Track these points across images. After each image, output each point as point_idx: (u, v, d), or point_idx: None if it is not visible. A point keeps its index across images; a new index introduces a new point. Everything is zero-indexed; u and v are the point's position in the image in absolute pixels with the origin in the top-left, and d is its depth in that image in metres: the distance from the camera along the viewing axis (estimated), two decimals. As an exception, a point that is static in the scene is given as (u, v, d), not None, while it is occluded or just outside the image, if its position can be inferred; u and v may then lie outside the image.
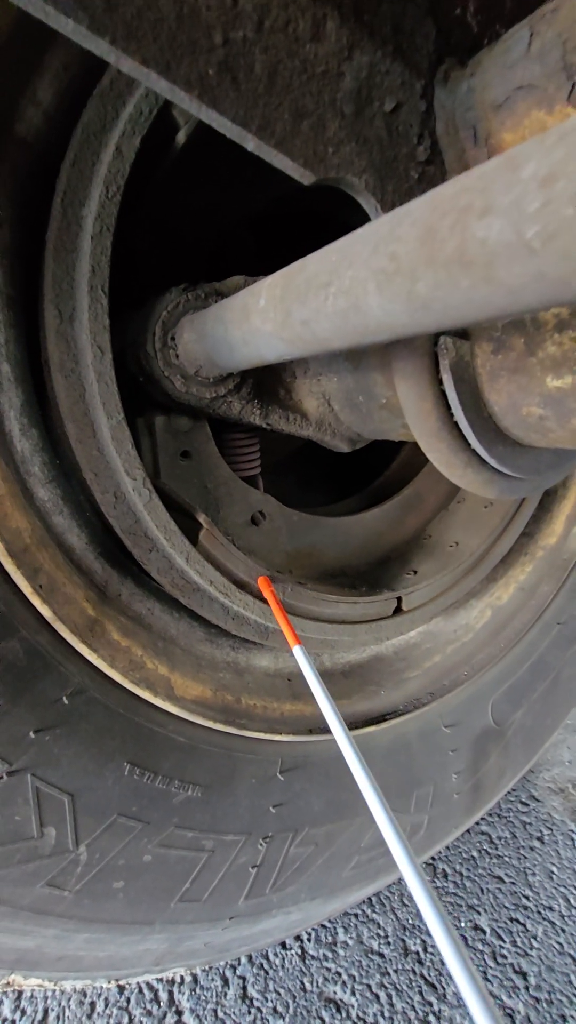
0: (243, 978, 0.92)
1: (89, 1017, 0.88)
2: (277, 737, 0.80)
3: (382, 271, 0.32)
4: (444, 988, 0.90)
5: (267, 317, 0.45)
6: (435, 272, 0.29)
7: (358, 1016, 0.86)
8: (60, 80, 0.60)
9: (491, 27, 0.46)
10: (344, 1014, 0.87)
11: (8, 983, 0.67)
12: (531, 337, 0.50)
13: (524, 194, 0.24)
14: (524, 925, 1.00)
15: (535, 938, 0.98)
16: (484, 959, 0.94)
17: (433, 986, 0.90)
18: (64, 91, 0.60)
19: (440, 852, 1.14)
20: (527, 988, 0.90)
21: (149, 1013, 0.88)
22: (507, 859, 1.13)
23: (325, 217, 1.00)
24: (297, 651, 0.63)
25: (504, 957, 0.94)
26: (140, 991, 0.91)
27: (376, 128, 0.43)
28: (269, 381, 0.80)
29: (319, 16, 0.38)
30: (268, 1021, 0.87)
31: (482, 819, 1.22)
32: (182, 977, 0.92)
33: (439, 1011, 0.86)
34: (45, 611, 0.60)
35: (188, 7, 0.34)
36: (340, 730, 0.51)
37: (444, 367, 0.55)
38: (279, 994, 0.90)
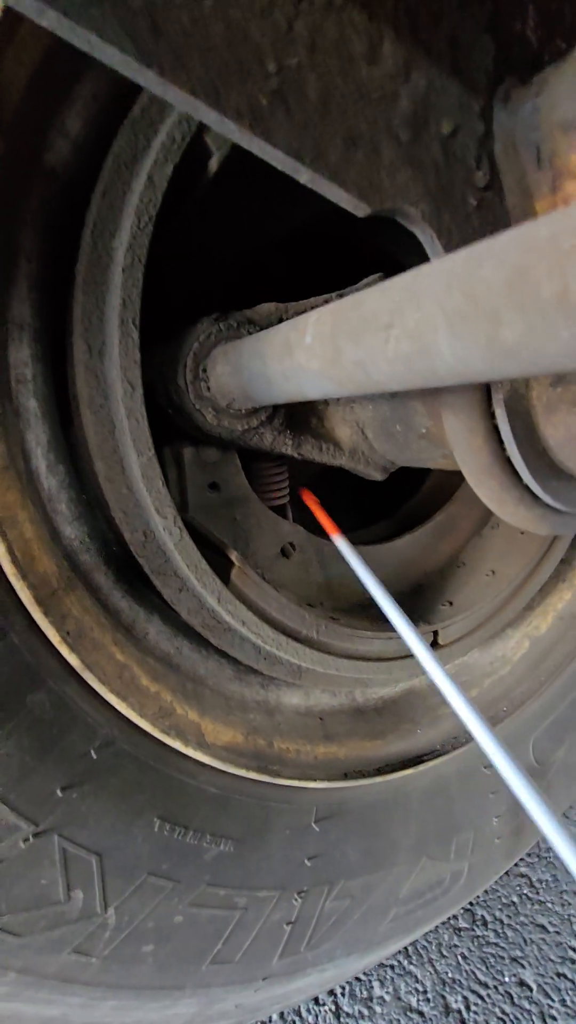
0: (275, 1037, 0.87)
1: (113, 1076, 0.83)
2: (311, 784, 0.76)
3: (457, 313, 0.29)
4: (490, 1053, 0.84)
5: (313, 355, 0.42)
6: (526, 318, 0.26)
7: None
8: (89, 110, 0.58)
9: (551, 42, 0.43)
10: (384, 1080, 0.81)
11: (31, 1053, 0.63)
12: (596, 369, 0.47)
13: None
14: (572, 981, 0.93)
15: (585, 996, 0.91)
16: (532, 1020, 0.87)
17: (478, 1050, 0.84)
18: (94, 121, 0.58)
19: (478, 896, 1.08)
20: (580, 1054, 0.83)
21: (176, 1073, 0.83)
22: (549, 905, 1.07)
23: (350, 241, 0.97)
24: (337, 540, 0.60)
25: (554, 1019, 0.87)
26: (166, 1050, 0.86)
27: (433, 153, 0.40)
28: (301, 411, 0.77)
29: (375, 35, 0.36)
30: None
31: (521, 860, 1.15)
32: (211, 1037, 0.87)
33: (486, 1080, 0.80)
34: (73, 660, 0.58)
35: (238, 31, 0.31)
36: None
37: (497, 401, 0.52)
38: (313, 1056, 0.84)
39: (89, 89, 0.57)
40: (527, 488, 0.57)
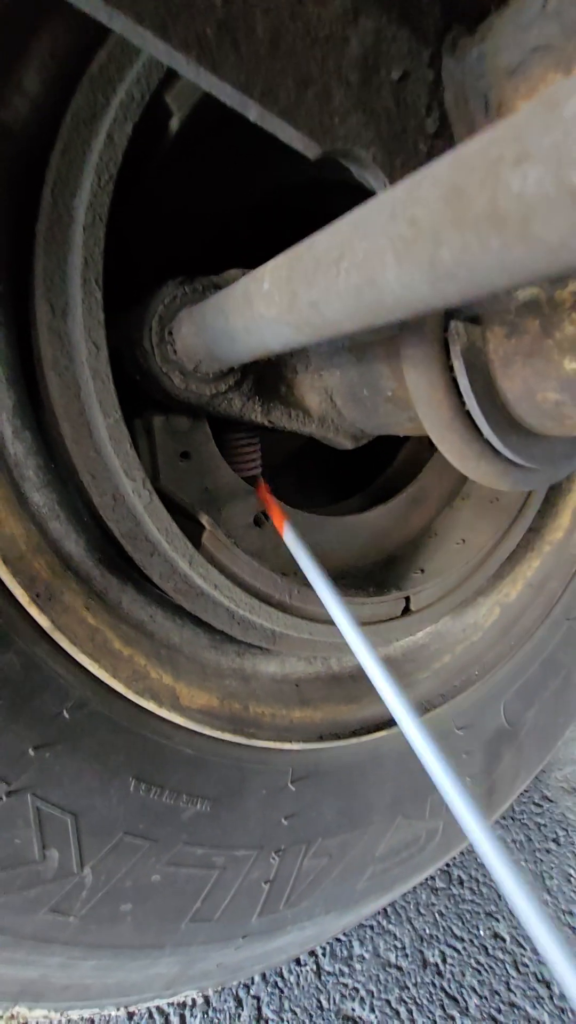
0: (257, 998, 0.88)
1: (98, 1045, 0.84)
2: (287, 746, 0.77)
3: (400, 238, 0.30)
4: (466, 1001, 0.86)
5: (271, 301, 0.43)
6: (462, 234, 0.27)
7: (378, 1034, 0.83)
8: (47, 68, 0.57)
9: (498, -6, 0.44)
10: (364, 1032, 0.83)
11: (12, 1016, 0.64)
12: (547, 318, 0.48)
13: (567, 135, 0.22)
14: (545, 932, 0.96)
15: (557, 945, 0.94)
16: (506, 968, 0.91)
17: (455, 999, 0.87)
18: (51, 79, 0.57)
19: (455, 858, 1.11)
20: (551, 997, 0.87)
21: (160, 1038, 0.85)
22: (523, 863, 1.10)
23: (320, 213, 0.98)
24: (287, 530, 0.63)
25: (526, 966, 0.91)
26: (150, 1015, 0.87)
27: (383, 98, 0.40)
28: (270, 377, 0.77)
29: (322, -23, 0.36)
30: (285, 1042, 0.83)
31: (496, 822, 1.19)
32: (193, 999, 0.88)
33: (462, 1026, 0.83)
34: (43, 621, 0.58)
35: (184, -37, 0.31)
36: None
37: (455, 353, 0.53)
38: (295, 1013, 0.86)
39: (46, 46, 0.56)
40: (488, 443, 0.59)
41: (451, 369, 0.54)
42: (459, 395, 0.55)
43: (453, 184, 0.26)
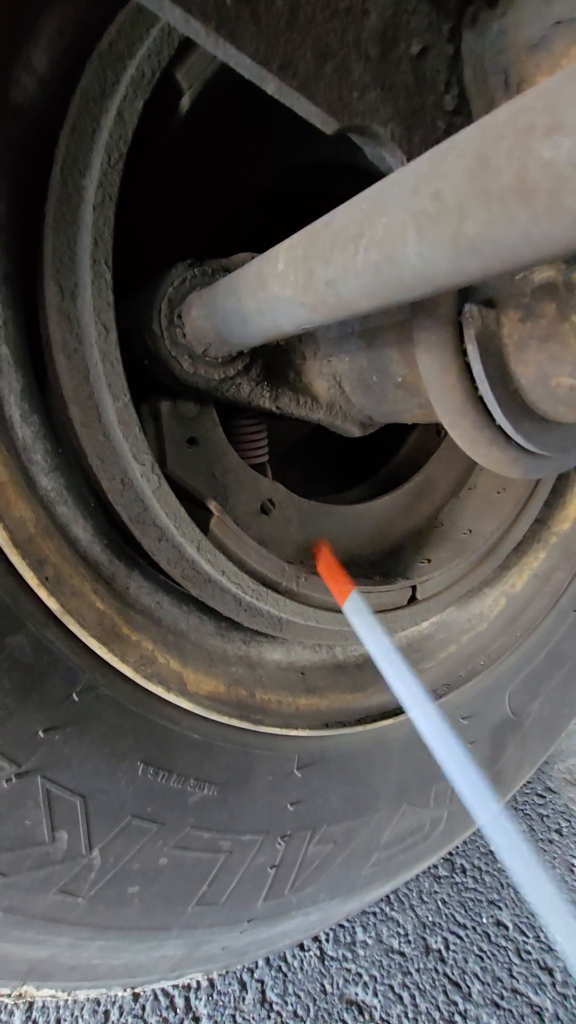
0: (261, 981, 0.89)
1: (103, 1025, 0.85)
2: (293, 732, 0.78)
3: (423, 213, 0.29)
4: (469, 987, 0.87)
5: (286, 281, 0.42)
6: (488, 207, 0.26)
7: (381, 1018, 0.84)
8: (56, 44, 0.57)
9: (519, -33, 0.43)
10: (367, 1016, 0.84)
11: (20, 994, 0.64)
12: (564, 301, 0.47)
13: (601, 103, 0.22)
14: (547, 919, 0.97)
15: (559, 933, 0.95)
16: (508, 955, 0.91)
17: (457, 985, 0.88)
18: (60, 56, 0.56)
19: (458, 847, 1.12)
20: (554, 984, 0.87)
21: (165, 1020, 0.86)
22: (526, 852, 1.10)
23: (330, 197, 0.97)
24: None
25: (528, 953, 0.91)
26: (156, 997, 0.88)
27: (402, 73, 0.40)
28: (278, 363, 0.77)
29: (342, -54, 0.35)
30: (288, 1025, 0.84)
31: (499, 812, 1.19)
32: (198, 982, 0.89)
33: (465, 1011, 0.84)
34: (52, 604, 0.57)
35: None
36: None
37: (469, 337, 0.52)
38: (299, 997, 0.87)
39: (55, 23, 0.55)
40: (500, 429, 0.58)
41: (464, 353, 0.54)
42: (472, 380, 0.55)
43: (479, 155, 0.26)
